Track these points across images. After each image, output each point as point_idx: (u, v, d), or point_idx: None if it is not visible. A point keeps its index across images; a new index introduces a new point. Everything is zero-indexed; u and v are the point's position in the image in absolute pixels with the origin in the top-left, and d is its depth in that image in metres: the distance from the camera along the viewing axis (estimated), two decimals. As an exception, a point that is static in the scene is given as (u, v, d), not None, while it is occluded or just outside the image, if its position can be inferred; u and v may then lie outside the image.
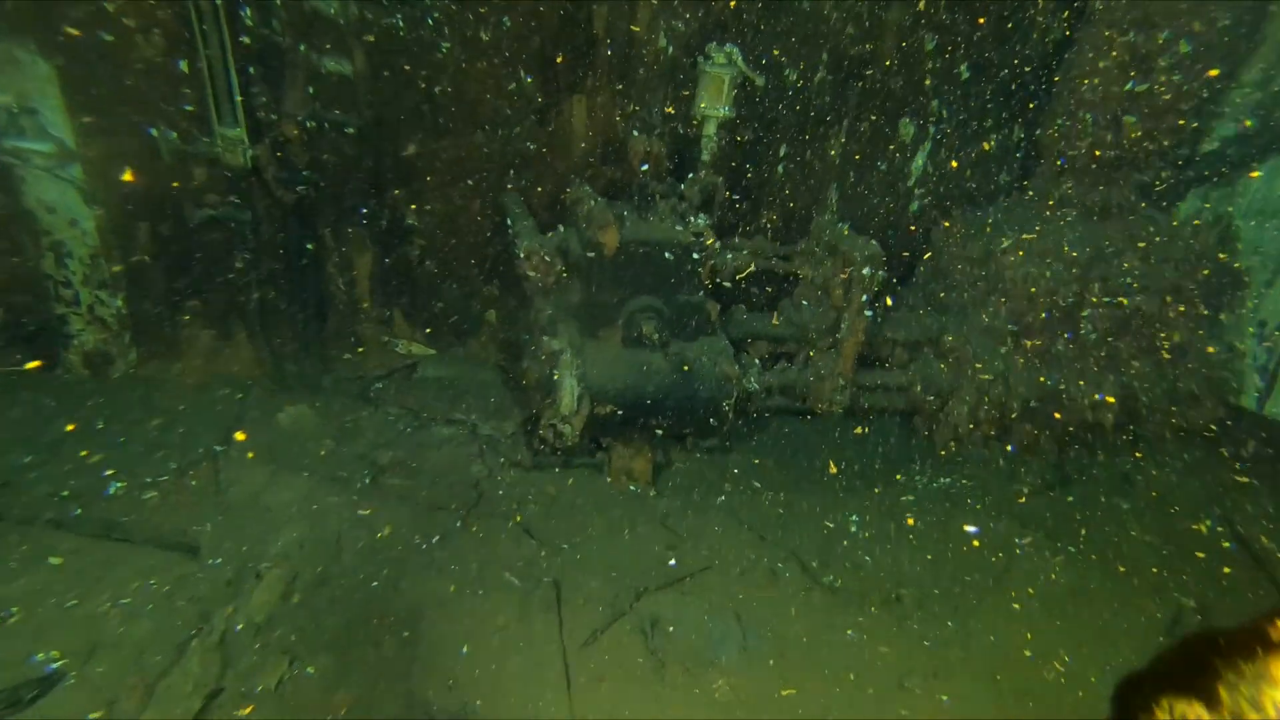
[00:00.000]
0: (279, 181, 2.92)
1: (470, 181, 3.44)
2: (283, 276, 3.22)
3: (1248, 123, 3.58)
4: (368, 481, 2.82)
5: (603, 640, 2.18)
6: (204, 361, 3.25)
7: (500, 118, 3.30)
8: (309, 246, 3.17)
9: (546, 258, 2.80)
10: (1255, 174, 3.63)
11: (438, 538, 2.56)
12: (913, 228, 4.04)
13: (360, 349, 3.72)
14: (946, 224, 3.76)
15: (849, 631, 2.30)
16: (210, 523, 2.37)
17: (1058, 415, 3.43)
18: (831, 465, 3.55)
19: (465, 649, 2.07)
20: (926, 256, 3.90)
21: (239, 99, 2.69)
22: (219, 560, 2.23)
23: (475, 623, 2.17)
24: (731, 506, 3.08)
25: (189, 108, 2.72)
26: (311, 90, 2.82)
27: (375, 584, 2.28)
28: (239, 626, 1.97)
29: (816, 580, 2.62)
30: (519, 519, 2.75)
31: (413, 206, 3.45)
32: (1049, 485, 3.42)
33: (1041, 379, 3.38)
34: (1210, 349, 3.60)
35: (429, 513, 2.69)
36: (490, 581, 2.38)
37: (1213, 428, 3.55)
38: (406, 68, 3.04)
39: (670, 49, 3.24)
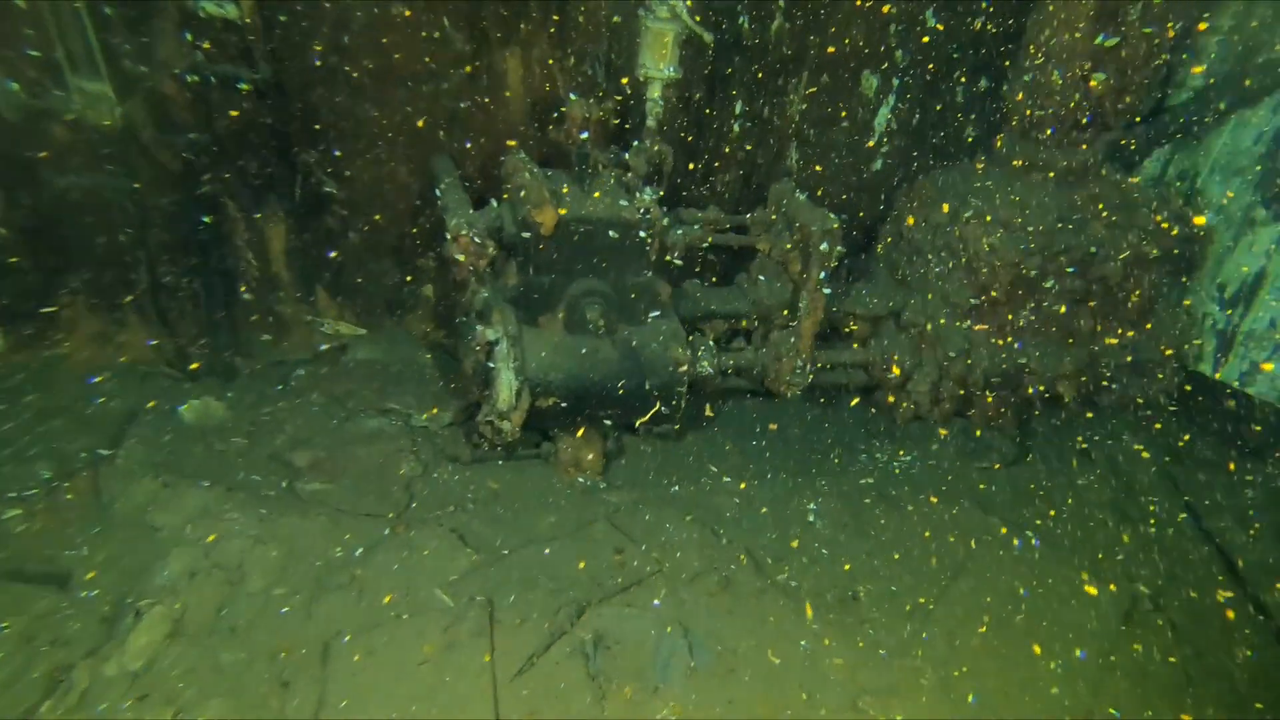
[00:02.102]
0: (161, 145, 2.52)
1: (394, 144, 3.08)
2: (179, 251, 2.85)
3: (1224, 66, 3.39)
4: (283, 487, 2.55)
5: (539, 666, 2.01)
6: (91, 347, 2.88)
7: (424, 72, 2.93)
8: (206, 219, 2.79)
9: (476, 239, 2.50)
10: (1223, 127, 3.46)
11: (361, 550, 2.33)
12: (876, 190, 3.83)
13: (281, 330, 3.38)
14: (906, 192, 3.56)
15: (803, 642, 2.18)
16: (88, 546, 2.09)
17: (1020, 389, 3.34)
18: (790, 448, 3.41)
19: (382, 687, 1.87)
20: (889, 223, 3.71)
21: (97, 46, 2.26)
22: (93, 593, 1.96)
23: (397, 654, 1.97)
24: (685, 498, 2.92)
25: (33, 53, 2.28)
26: (190, 38, 2.40)
27: (285, 610, 2.06)
28: (110, 675, 1.72)
29: (771, 580, 2.48)
30: (454, 525, 2.54)
31: (329, 172, 3.08)
32: (1009, 461, 3.35)
33: (1004, 352, 3.27)
34: (1171, 316, 3.53)
35: (352, 521, 2.46)
36: (418, 602, 2.17)
37: (1172, 396, 3.51)
38: (308, 14, 2.63)
39: (612, -5, 2.88)
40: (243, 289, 3.14)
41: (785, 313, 3.13)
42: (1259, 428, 3.39)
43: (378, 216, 3.25)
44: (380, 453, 2.85)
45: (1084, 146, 3.21)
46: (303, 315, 3.39)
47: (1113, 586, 2.58)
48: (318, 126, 2.87)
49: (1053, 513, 2.97)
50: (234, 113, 2.60)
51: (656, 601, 2.29)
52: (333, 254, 3.31)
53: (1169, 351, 3.43)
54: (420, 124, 3.03)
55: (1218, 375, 3.55)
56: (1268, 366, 3.35)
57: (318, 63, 2.71)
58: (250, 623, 1.99)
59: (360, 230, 3.29)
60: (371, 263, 3.42)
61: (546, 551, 2.49)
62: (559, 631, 2.14)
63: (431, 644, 2.01)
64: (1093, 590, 2.53)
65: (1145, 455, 3.42)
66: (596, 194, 2.62)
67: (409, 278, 3.50)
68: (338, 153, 3.02)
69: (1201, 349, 3.61)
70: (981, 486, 3.13)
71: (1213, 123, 3.48)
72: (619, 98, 3.02)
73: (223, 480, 2.43)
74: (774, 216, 3.15)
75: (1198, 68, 3.48)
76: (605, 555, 2.51)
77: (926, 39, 3.42)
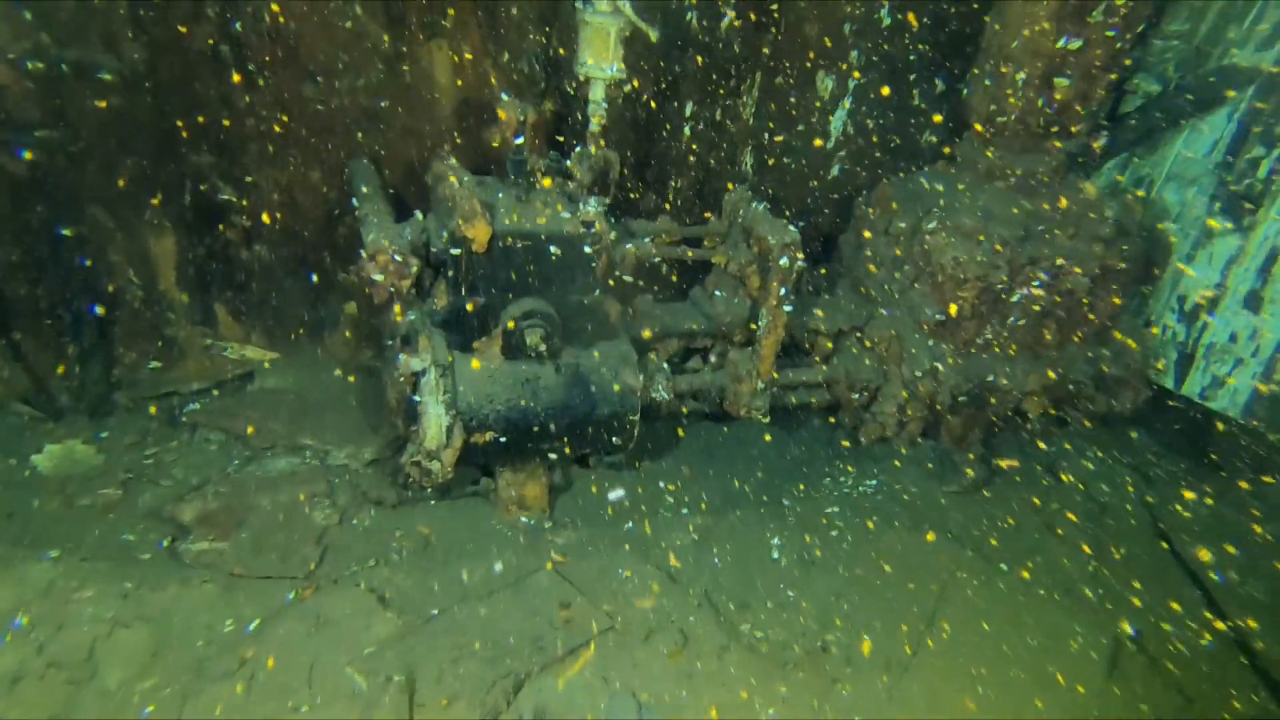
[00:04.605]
0: (-3, 143, 2.11)
1: (303, 147, 2.72)
2: (30, 269, 2.43)
3: (1178, 73, 3.33)
4: (162, 549, 2.16)
5: (467, 761, 1.70)
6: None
7: (335, 66, 2.58)
8: (66, 231, 2.38)
9: (397, 256, 2.19)
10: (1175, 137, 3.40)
11: (256, 624, 1.98)
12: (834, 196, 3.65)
13: (172, 356, 2.96)
14: (865, 200, 3.39)
15: (770, 711, 1.94)
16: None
17: (987, 406, 3.20)
18: (750, 473, 3.18)
19: (271, 810, 1.54)
20: (849, 231, 3.53)
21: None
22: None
23: (292, 760, 1.64)
24: (640, 536, 2.65)
25: None
26: (29, 16, 2.01)
27: (148, 711, 1.69)
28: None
29: (734, 632, 2.23)
30: (374, 583, 2.20)
31: (224, 177, 2.70)
32: (978, 484, 3.19)
33: (970, 370, 3.12)
34: (1135, 329, 3.45)
35: (247, 587, 2.09)
36: (324, 685, 1.83)
37: (1138, 411, 3.42)
38: (187, -8, 2.26)
39: (549, -19, 2.60)
40: (124, 311, 2.73)
41: (743, 329, 2.90)
42: (1222, 443, 3.33)
43: (287, 226, 2.88)
44: (288, 499, 2.49)
45: (1046, 153, 3.10)
46: (199, 338, 2.98)
47: (1093, 628, 2.41)
48: (206, 125, 2.49)
49: (1025, 542, 2.82)
50: (98, 105, 2.20)
51: (609, 665, 2.01)
52: (237, 268, 2.92)
53: (1134, 366, 3.34)
54: (333, 125, 2.69)
55: (1181, 390, 3.48)
56: (1230, 381, 3.29)
57: (200, 52, 2.33)
58: (103, 731, 1.62)
59: (267, 242, 2.91)
60: (283, 278, 3.03)
61: (482, 611, 2.18)
62: (494, 711, 1.84)
63: (335, 744, 1.68)
64: (1074, 631, 2.36)
65: (1114, 474, 3.32)
66: (535, 205, 2.33)
67: (327, 294, 3.13)
68: (237, 155, 2.65)
69: (1163, 363, 3.54)
70: (951, 512, 2.96)
71: (1168, 130, 3.42)
72: (552, 101, 2.74)
73: (79, 547, 2.03)
74: (730, 227, 2.92)
75: (1149, 72, 3.41)
76: (549, 611, 2.21)
77: (883, 38, 3.26)
